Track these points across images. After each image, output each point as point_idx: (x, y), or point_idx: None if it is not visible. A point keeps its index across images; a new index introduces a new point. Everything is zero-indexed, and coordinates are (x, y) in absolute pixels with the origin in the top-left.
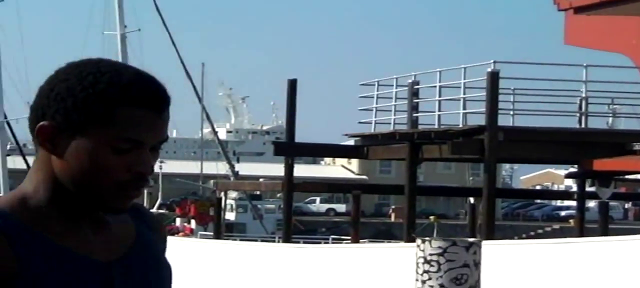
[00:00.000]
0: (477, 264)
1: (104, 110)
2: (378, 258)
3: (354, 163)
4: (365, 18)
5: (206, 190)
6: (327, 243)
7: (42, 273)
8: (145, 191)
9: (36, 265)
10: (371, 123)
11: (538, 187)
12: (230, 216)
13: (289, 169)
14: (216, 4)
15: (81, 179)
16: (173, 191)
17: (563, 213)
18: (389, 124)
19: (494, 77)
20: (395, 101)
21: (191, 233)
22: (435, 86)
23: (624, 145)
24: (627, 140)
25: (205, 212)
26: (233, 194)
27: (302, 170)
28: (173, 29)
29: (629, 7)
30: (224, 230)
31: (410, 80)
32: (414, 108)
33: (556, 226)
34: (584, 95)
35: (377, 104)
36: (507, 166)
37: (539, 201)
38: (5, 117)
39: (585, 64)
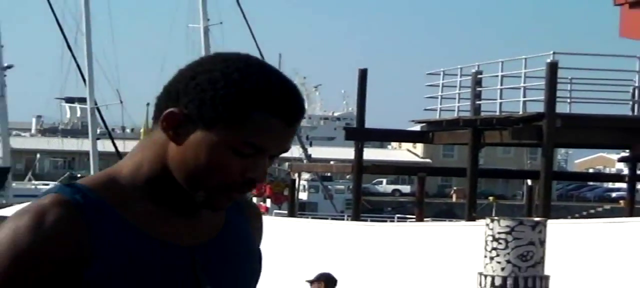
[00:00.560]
0: (542, 242)
1: (240, 112)
2: (442, 236)
3: (419, 148)
4: (432, 11)
5: (281, 171)
6: (393, 221)
7: (115, 256)
8: None
9: (110, 247)
10: (436, 110)
11: (591, 170)
12: (303, 196)
13: (359, 153)
14: None
15: (193, 171)
16: None
17: (614, 194)
18: (453, 110)
19: (553, 67)
20: (459, 89)
21: (266, 211)
22: (497, 75)
23: None
24: None
25: (280, 192)
26: (306, 176)
27: (369, 153)
28: (252, 21)
29: None
30: (297, 209)
31: (473, 70)
32: (477, 96)
33: (607, 206)
34: (637, 84)
35: (442, 92)
36: (562, 150)
37: (591, 183)
38: (96, 104)
39: (638, 55)
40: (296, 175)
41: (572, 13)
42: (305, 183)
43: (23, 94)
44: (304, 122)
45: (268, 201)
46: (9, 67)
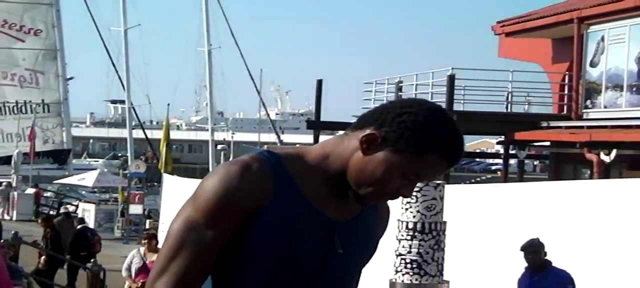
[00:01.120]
0: (442, 198)
1: (423, 151)
2: None
3: None
4: (375, 34)
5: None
6: None
7: (283, 214)
8: (223, 152)
9: (282, 205)
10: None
11: (477, 150)
12: None
13: (316, 139)
14: (274, 20)
15: (366, 177)
16: (240, 153)
17: (493, 167)
18: None
19: (451, 79)
20: (386, 94)
21: None
22: (412, 84)
23: (535, 123)
24: (537, 120)
25: None
26: None
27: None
28: (243, 44)
29: (541, 32)
30: None
31: (396, 80)
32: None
33: (489, 176)
34: (510, 89)
35: (374, 96)
36: None
37: (478, 160)
38: (132, 104)
39: (511, 70)
40: None
41: (466, 39)
42: None
43: (81, 97)
44: (277, 116)
45: None
46: (71, 78)
